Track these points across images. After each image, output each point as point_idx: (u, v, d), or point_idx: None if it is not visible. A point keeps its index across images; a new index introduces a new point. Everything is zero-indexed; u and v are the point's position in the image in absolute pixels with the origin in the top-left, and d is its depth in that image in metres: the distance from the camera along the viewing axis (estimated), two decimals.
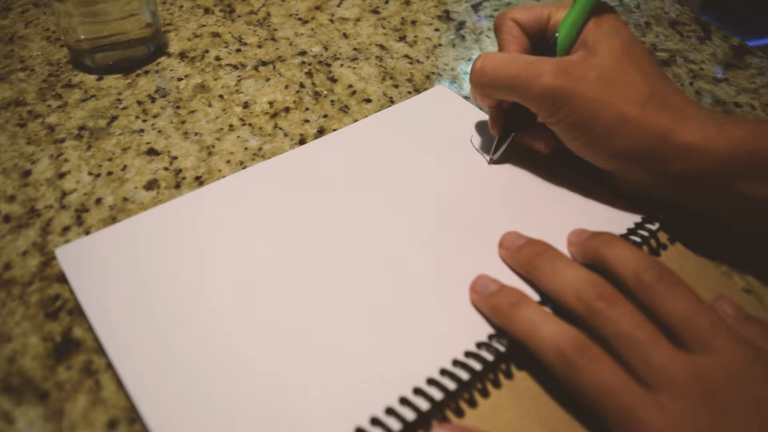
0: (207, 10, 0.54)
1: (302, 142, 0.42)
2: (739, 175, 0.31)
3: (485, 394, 0.28)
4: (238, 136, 0.42)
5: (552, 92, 0.33)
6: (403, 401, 0.27)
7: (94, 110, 0.44)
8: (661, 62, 0.51)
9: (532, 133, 0.38)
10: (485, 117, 0.43)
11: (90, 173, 0.39)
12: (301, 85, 0.46)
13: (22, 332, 0.31)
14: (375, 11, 0.55)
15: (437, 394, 0.27)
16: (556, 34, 0.36)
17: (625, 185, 0.36)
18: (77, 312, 0.32)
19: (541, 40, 0.38)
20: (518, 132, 0.39)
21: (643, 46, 0.35)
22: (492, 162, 0.39)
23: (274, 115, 0.44)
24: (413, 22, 0.54)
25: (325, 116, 0.44)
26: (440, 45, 0.51)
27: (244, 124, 0.43)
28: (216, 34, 0.52)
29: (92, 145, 0.41)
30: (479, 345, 0.29)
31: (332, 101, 0.45)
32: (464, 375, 0.28)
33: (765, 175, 0.31)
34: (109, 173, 0.39)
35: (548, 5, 0.38)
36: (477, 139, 0.41)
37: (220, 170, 0.40)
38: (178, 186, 0.39)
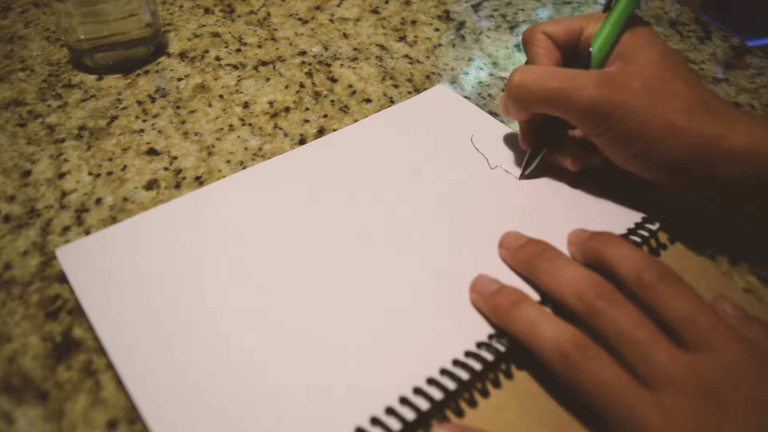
0: (207, 10, 0.54)
1: (302, 142, 0.42)
2: None
3: (485, 394, 0.28)
4: (238, 136, 0.42)
5: (597, 104, 0.33)
6: (403, 401, 0.27)
7: (94, 110, 0.44)
8: None
9: (561, 149, 0.38)
10: (486, 116, 0.43)
11: (90, 173, 0.39)
12: (301, 85, 0.46)
13: (22, 332, 0.31)
14: (375, 11, 0.55)
15: (437, 394, 0.27)
16: (590, 48, 0.35)
17: (665, 194, 0.35)
18: (77, 312, 0.32)
19: (572, 54, 0.37)
20: (549, 148, 0.38)
21: (678, 55, 0.34)
22: (522, 178, 0.38)
23: (274, 115, 0.44)
24: (413, 22, 0.54)
25: (325, 116, 0.44)
26: (440, 45, 0.51)
27: (244, 124, 0.43)
28: (216, 34, 0.52)
29: (92, 145, 0.41)
30: (479, 345, 0.29)
31: (332, 101, 0.45)
32: (464, 375, 0.28)
33: None
34: (109, 173, 0.39)
35: (579, 18, 0.37)
36: (478, 139, 0.41)
37: (220, 170, 0.40)
38: (178, 186, 0.39)
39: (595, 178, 0.38)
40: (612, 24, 0.35)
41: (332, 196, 0.37)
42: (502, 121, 0.43)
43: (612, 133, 0.33)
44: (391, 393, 0.28)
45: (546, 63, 0.36)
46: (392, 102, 0.45)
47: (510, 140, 0.41)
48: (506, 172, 0.39)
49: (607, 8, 0.36)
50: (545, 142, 0.38)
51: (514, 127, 0.43)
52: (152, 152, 0.41)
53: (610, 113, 0.33)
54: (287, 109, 0.44)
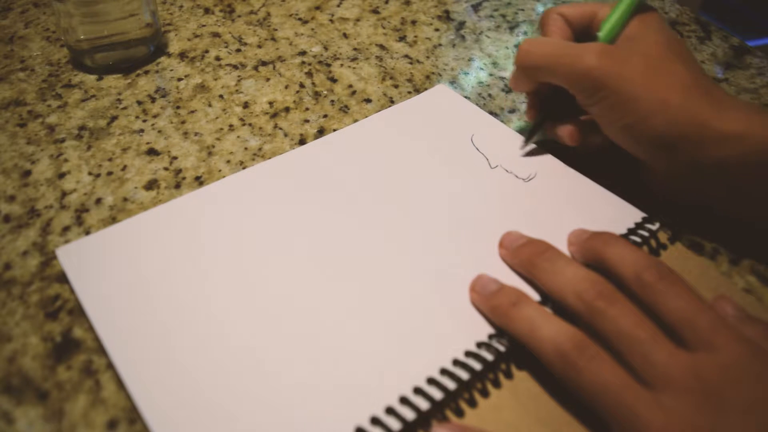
0: (207, 10, 0.54)
1: (302, 142, 0.42)
2: None
3: (485, 394, 0.28)
4: (238, 136, 0.42)
5: (594, 71, 0.34)
6: (403, 401, 0.27)
7: (94, 110, 0.44)
8: None
9: (562, 123, 0.39)
10: (486, 116, 0.43)
11: (90, 173, 0.39)
12: (301, 85, 0.46)
13: (22, 332, 0.31)
14: (375, 11, 0.55)
15: (437, 394, 0.27)
16: (599, 32, 0.37)
17: (658, 179, 0.36)
18: (77, 312, 0.32)
19: (585, 36, 0.39)
20: (552, 122, 0.39)
21: (685, 43, 0.35)
22: (525, 145, 0.40)
23: (274, 115, 0.44)
24: (413, 22, 0.54)
25: (325, 116, 0.44)
26: (440, 45, 0.51)
27: (244, 124, 0.43)
28: (216, 34, 0.52)
29: (92, 145, 0.41)
30: (479, 345, 0.29)
31: (332, 101, 0.45)
32: (464, 375, 0.28)
33: None
34: (109, 173, 0.39)
35: (594, 3, 0.39)
36: (478, 139, 0.41)
37: (220, 170, 0.40)
38: (178, 186, 0.39)
39: (596, 178, 0.38)
40: (622, 10, 0.36)
41: (332, 196, 0.37)
42: (502, 121, 0.43)
43: (605, 102, 0.34)
44: (391, 393, 0.28)
45: (557, 37, 0.38)
46: (392, 102, 0.45)
47: (510, 140, 0.41)
48: (506, 171, 0.39)
49: None
50: (549, 115, 0.40)
51: (515, 127, 0.43)
52: (152, 152, 0.41)
53: (605, 83, 0.34)
54: (287, 109, 0.44)
